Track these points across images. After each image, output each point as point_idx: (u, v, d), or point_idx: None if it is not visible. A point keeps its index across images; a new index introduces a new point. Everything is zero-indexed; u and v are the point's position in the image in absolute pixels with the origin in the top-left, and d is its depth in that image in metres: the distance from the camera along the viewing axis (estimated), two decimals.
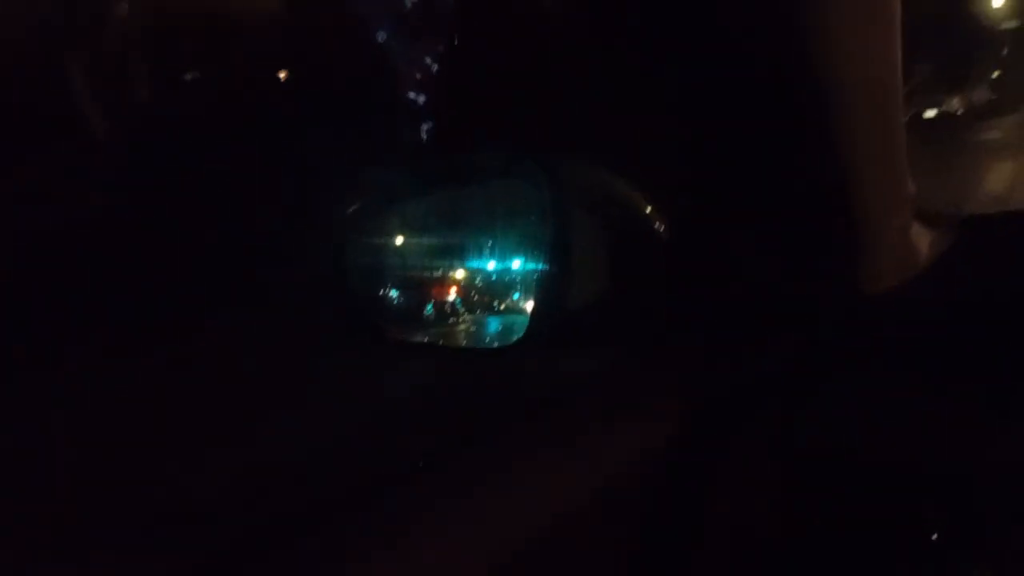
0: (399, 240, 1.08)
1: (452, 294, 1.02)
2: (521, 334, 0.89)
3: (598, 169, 0.94)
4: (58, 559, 0.63)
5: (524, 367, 0.92)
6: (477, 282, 1.02)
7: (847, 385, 0.79)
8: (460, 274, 1.03)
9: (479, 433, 0.72)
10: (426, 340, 1.07)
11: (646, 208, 0.94)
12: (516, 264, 1.00)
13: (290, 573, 0.55)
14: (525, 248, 0.98)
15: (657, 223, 0.94)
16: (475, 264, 1.02)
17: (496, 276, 1.01)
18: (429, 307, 1.03)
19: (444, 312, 1.03)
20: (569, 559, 0.69)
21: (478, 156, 0.98)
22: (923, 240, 0.95)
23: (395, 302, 1.07)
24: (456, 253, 1.04)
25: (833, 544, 0.72)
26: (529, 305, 0.93)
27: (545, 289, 0.90)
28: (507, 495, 0.66)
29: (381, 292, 1.06)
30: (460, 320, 1.02)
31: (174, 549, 0.60)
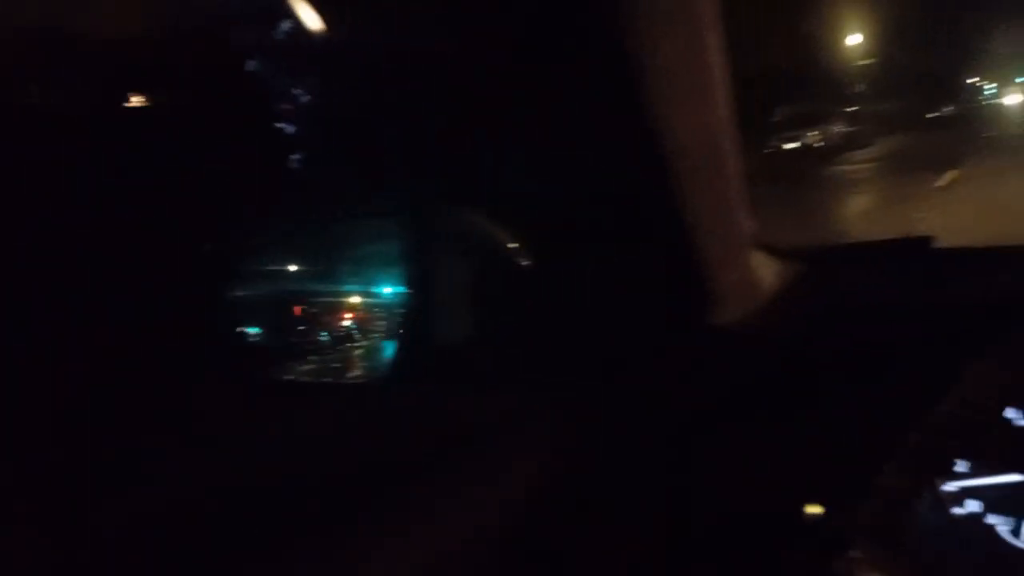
0: (267, 277, 1.05)
1: (348, 321, 1.01)
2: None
3: (464, 210, 0.96)
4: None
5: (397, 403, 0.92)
6: (373, 309, 1.01)
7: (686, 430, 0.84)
8: (355, 300, 1.02)
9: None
10: (300, 378, 1.05)
11: (510, 246, 0.96)
12: (387, 291, 1.00)
13: None
14: (394, 281, 0.98)
15: (522, 260, 0.96)
16: (366, 291, 1.02)
17: (383, 303, 1.01)
18: (324, 334, 0.99)
19: (341, 338, 1.01)
20: None
21: (350, 193, 0.98)
22: (768, 272, 1.01)
23: (263, 342, 1.05)
24: (337, 281, 1.02)
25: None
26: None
27: (408, 323, 0.91)
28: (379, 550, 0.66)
29: (247, 334, 1.03)
30: (356, 346, 1.00)
31: None
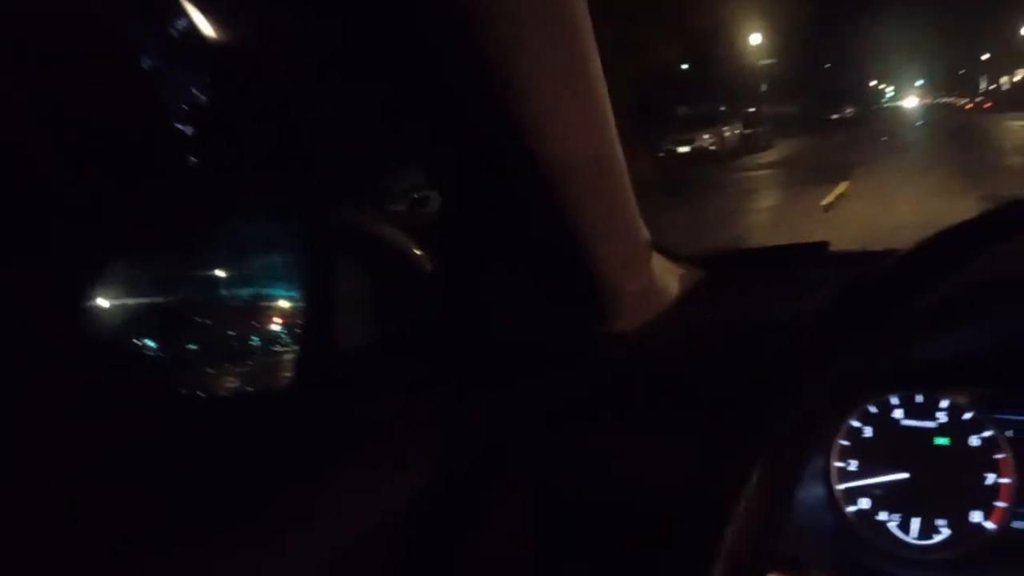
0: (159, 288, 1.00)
1: (275, 324, 0.98)
2: None
3: (363, 212, 0.94)
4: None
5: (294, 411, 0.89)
6: (268, 314, 0.98)
7: (591, 425, 0.84)
8: (283, 304, 0.99)
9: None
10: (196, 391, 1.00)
11: (413, 250, 0.95)
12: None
13: None
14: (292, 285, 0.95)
15: (425, 264, 0.95)
16: (260, 294, 0.99)
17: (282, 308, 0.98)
18: (255, 338, 0.98)
19: (270, 341, 0.98)
20: None
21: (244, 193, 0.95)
22: (670, 278, 1.03)
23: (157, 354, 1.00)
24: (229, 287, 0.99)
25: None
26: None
27: (307, 330, 0.89)
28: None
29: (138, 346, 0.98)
30: (288, 349, 0.97)
31: None
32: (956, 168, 10.53)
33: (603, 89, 0.68)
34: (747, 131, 20.19)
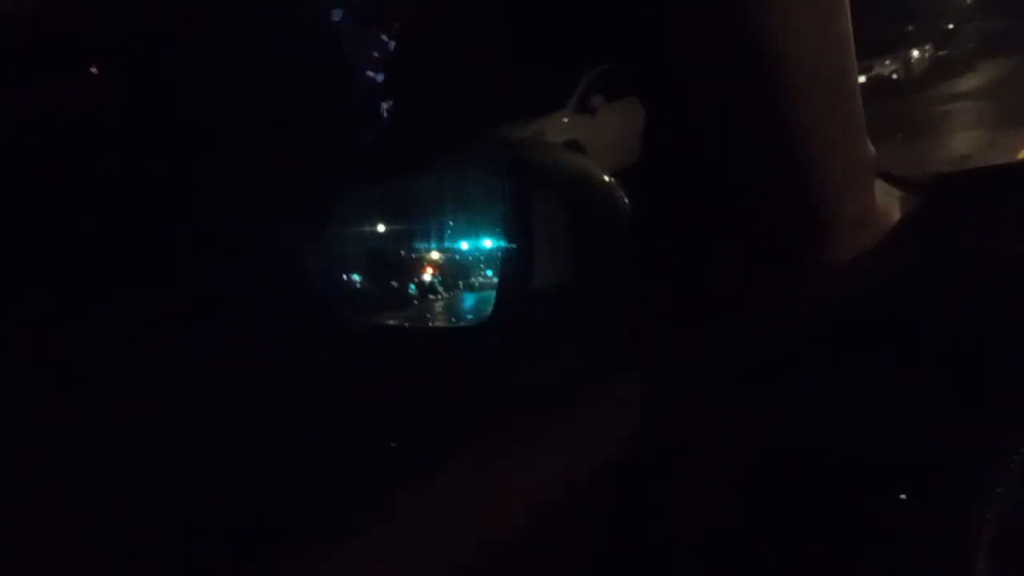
0: (364, 228, 1.07)
1: (429, 274, 1.04)
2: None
3: (558, 148, 0.93)
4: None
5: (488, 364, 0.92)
6: (453, 261, 1.02)
7: (805, 375, 0.79)
8: (435, 255, 1.04)
9: (450, 431, 0.71)
10: (397, 323, 1.07)
11: (609, 184, 0.93)
12: (487, 243, 1.02)
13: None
14: (491, 229, 0.98)
15: (621, 198, 0.93)
16: (449, 245, 1.02)
17: (470, 255, 1.03)
18: (412, 286, 1.04)
19: (424, 291, 1.04)
20: (539, 554, 0.68)
21: (437, 138, 0.97)
22: (890, 202, 0.95)
23: (363, 289, 1.07)
24: (423, 237, 1.03)
25: (797, 539, 0.71)
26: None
27: (508, 269, 0.90)
28: (478, 493, 0.65)
29: (347, 281, 1.05)
30: (439, 297, 1.04)
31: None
32: None
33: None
34: (940, 53, 17.34)
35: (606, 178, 0.93)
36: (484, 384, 0.88)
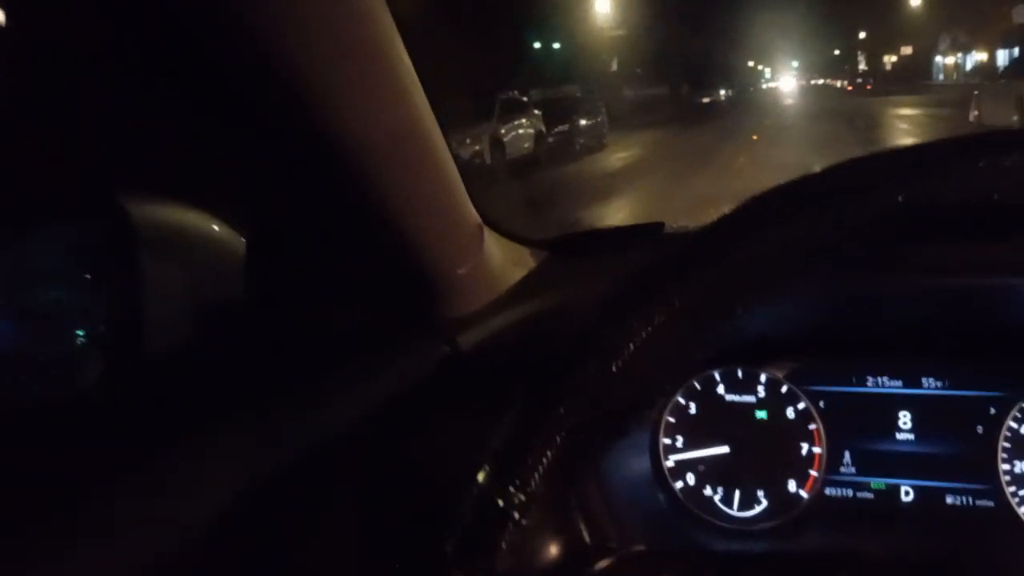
0: None
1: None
2: None
3: (175, 205, 0.90)
4: None
5: None
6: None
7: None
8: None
9: None
10: None
11: (231, 243, 0.92)
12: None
13: None
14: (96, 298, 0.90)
15: (242, 258, 0.92)
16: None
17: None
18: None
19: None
20: None
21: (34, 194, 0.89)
22: (509, 261, 1.04)
23: None
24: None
25: None
26: None
27: (115, 342, 0.84)
28: None
29: None
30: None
31: None
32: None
33: (404, 67, 0.68)
34: (559, 128, 13.83)
35: (229, 238, 0.92)
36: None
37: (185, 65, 0.64)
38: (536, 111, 13.29)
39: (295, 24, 0.58)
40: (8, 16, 0.75)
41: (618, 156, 14.06)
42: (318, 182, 0.73)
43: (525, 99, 13.47)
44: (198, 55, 0.61)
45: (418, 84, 0.72)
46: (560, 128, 14.03)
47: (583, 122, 15.14)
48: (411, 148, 0.73)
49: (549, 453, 0.53)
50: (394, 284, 0.89)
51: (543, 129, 13.25)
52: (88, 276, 0.87)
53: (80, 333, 0.89)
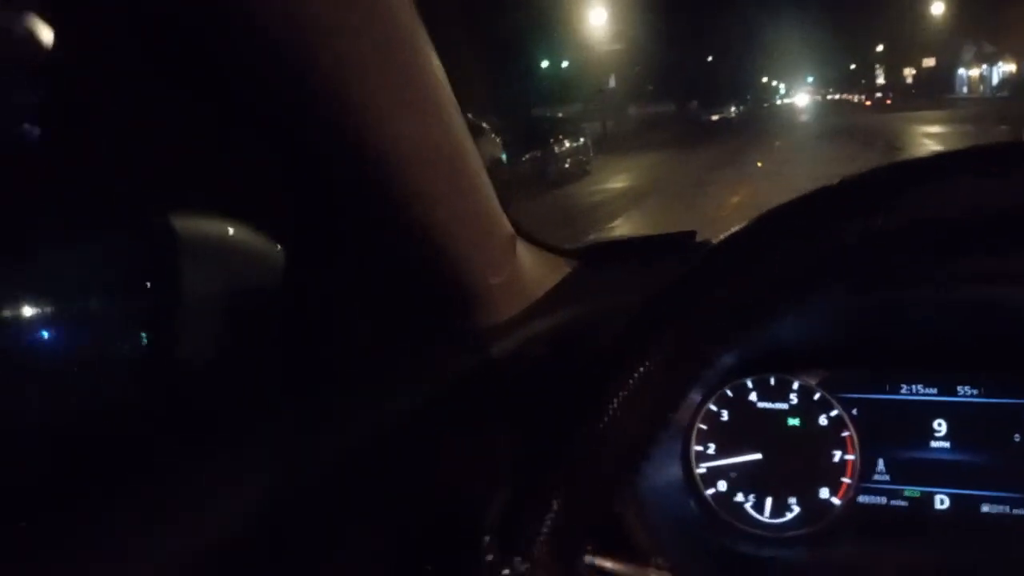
0: None
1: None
2: None
3: (210, 216, 0.92)
4: None
5: None
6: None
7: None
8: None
9: None
10: None
11: (264, 252, 0.94)
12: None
13: None
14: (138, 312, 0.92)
15: (278, 268, 0.94)
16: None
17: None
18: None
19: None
20: None
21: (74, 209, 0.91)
22: (541, 271, 1.05)
23: None
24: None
25: None
26: None
27: (152, 342, 0.86)
28: None
29: None
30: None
31: None
32: None
33: (439, 80, 0.69)
34: (529, 154, 12.68)
35: (262, 247, 0.93)
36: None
37: (228, 82, 0.66)
38: (496, 137, 11.52)
39: (336, 39, 0.60)
40: (74, 27, 0.77)
41: (600, 188, 12.84)
42: (356, 194, 0.75)
43: (484, 124, 11.10)
44: (243, 73, 0.63)
45: (452, 95, 0.74)
46: (531, 155, 12.89)
47: (561, 147, 14.03)
48: (447, 160, 0.75)
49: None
50: (428, 294, 0.91)
51: (501, 157, 11.40)
52: (147, 284, 0.89)
53: (143, 336, 0.91)
